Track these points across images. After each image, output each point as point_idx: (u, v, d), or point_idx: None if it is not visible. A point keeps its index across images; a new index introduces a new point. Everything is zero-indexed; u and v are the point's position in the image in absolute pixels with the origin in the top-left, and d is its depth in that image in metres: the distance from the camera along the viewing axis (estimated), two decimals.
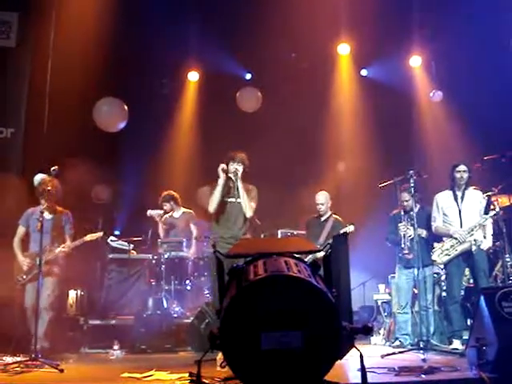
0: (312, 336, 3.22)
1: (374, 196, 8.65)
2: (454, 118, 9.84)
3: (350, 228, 7.76)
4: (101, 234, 7.68)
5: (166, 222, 9.32)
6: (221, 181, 6.51)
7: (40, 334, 6.68)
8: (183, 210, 9.38)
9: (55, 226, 7.37)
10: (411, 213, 7.27)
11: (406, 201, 7.58)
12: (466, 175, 7.31)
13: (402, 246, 7.44)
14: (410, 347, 6.94)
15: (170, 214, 9.34)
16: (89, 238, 7.52)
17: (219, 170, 6.52)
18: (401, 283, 7.76)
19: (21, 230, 7.48)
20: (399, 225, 7.55)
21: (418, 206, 7.57)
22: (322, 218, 8.23)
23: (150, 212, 9.37)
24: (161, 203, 9.33)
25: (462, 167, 7.33)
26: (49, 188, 7.03)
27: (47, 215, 7.30)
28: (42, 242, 6.89)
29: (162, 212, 9.34)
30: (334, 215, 8.23)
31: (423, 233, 7.47)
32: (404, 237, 7.46)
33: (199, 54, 10.92)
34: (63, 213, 7.54)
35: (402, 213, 7.62)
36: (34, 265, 7.15)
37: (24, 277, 7.21)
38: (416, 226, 6.96)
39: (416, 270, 6.96)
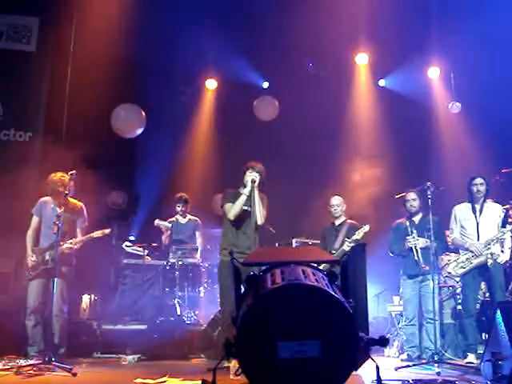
0: (329, 346, 3.20)
1: (390, 206, 8.61)
2: (472, 129, 9.80)
3: (365, 228, 7.62)
4: (108, 230, 7.33)
5: (170, 227, 9.28)
6: (247, 190, 6.52)
7: (55, 340, 6.62)
8: (189, 216, 9.37)
9: (66, 220, 6.87)
10: (414, 219, 7.44)
11: (413, 199, 7.50)
12: (482, 188, 7.24)
13: (416, 259, 7.27)
14: (424, 360, 6.84)
15: (176, 218, 9.29)
16: (95, 234, 7.18)
17: (249, 179, 6.50)
18: (406, 295, 7.54)
19: (35, 221, 7.13)
20: (407, 238, 7.36)
21: (421, 214, 7.50)
22: (337, 223, 8.06)
23: (157, 222, 9.34)
24: (176, 202, 9.29)
25: (479, 180, 7.27)
26: (58, 188, 6.92)
27: (58, 210, 7.00)
28: (53, 240, 6.79)
29: (170, 225, 9.29)
30: (348, 220, 8.16)
31: (430, 243, 7.28)
32: (415, 250, 7.31)
33: (217, 63, 10.97)
34: (76, 206, 7.19)
35: (408, 223, 7.47)
36: (41, 261, 6.94)
37: (31, 273, 6.94)
38: (430, 235, 6.88)
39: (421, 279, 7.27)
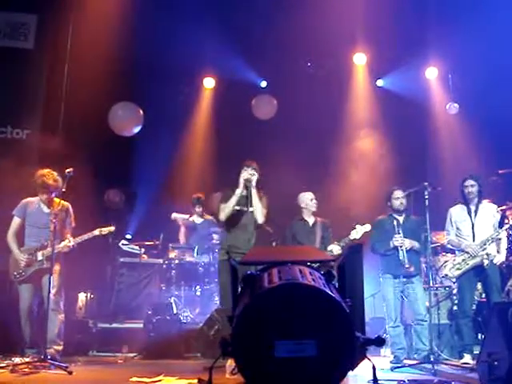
0: (326, 345, 3.19)
1: (385, 207, 8.59)
2: (470, 130, 9.81)
3: (367, 227, 7.50)
4: (112, 228, 7.21)
5: (186, 225, 9.34)
6: (239, 191, 6.51)
7: (53, 336, 6.54)
8: (206, 217, 9.43)
9: (55, 220, 6.70)
10: (398, 218, 7.36)
11: (403, 197, 7.36)
12: (473, 189, 7.22)
13: (401, 258, 7.13)
14: (421, 360, 6.81)
15: (192, 218, 9.36)
16: (98, 232, 7.04)
17: (241, 179, 6.50)
18: (388, 295, 7.36)
19: (16, 222, 7.00)
20: (395, 236, 7.19)
21: (404, 214, 7.44)
22: (310, 223, 7.86)
23: (174, 215, 9.38)
24: (194, 204, 9.35)
25: (470, 182, 7.25)
26: (48, 181, 6.82)
27: (45, 209, 6.98)
28: (41, 237, 6.81)
29: (187, 216, 9.35)
30: (318, 218, 7.91)
31: (416, 245, 7.18)
32: (401, 249, 7.15)
33: (215, 61, 10.95)
34: (62, 206, 6.97)
35: (395, 223, 7.31)
36: (32, 261, 6.80)
37: (22, 273, 6.80)
38: (413, 235, 6.95)
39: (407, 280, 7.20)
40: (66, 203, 7.06)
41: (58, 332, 6.70)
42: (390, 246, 7.25)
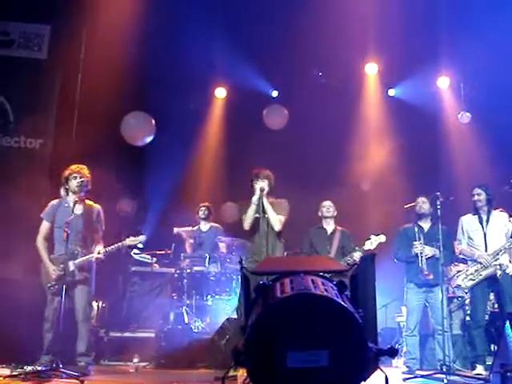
0: (338, 355, 3.18)
1: (398, 217, 8.57)
2: (482, 139, 9.78)
3: (382, 238, 7.57)
4: (143, 237, 7.06)
5: (192, 235, 9.35)
6: (255, 198, 6.67)
7: (82, 349, 6.51)
8: (211, 224, 9.42)
9: (86, 223, 6.45)
10: (423, 225, 7.41)
11: (423, 202, 7.45)
12: (481, 197, 7.25)
13: (420, 265, 7.17)
14: (434, 371, 6.76)
15: (196, 227, 9.38)
16: (129, 241, 6.81)
17: (257, 187, 6.68)
18: (411, 304, 7.40)
19: (45, 226, 6.58)
20: (414, 243, 7.25)
21: (430, 222, 7.46)
22: (329, 231, 7.94)
23: (176, 230, 9.38)
24: (198, 209, 9.40)
25: (476, 190, 7.29)
26: (79, 176, 6.56)
27: (77, 209, 6.46)
28: (71, 242, 6.35)
29: (189, 228, 9.37)
30: (338, 227, 8.01)
31: (437, 252, 7.08)
32: (420, 256, 7.20)
33: (226, 71, 10.99)
34: (94, 207, 6.70)
35: (416, 229, 7.38)
36: (63, 271, 6.37)
37: (56, 285, 6.34)
38: (437, 244, 6.85)
39: (428, 289, 7.20)
40: (96, 205, 6.81)
41: (89, 344, 6.64)
42: (411, 253, 7.29)
